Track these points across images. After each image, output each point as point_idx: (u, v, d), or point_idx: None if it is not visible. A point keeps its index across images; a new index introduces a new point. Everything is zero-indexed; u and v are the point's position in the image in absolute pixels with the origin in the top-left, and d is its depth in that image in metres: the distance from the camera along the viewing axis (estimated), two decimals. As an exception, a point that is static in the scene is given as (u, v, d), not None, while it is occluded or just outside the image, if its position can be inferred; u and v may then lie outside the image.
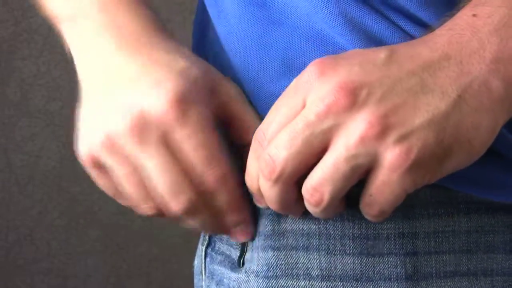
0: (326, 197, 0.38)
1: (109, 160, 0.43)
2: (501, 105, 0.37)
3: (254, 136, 0.40)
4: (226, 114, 0.44)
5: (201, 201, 0.43)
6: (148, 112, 0.41)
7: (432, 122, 0.36)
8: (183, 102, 0.41)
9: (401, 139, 0.36)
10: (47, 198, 1.52)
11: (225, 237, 0.49)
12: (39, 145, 1.51)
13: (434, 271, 0.44)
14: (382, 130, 0.36)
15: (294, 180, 0.39)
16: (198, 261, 0.53)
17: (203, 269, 0.51)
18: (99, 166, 0.44)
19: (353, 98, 0.36)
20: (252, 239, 0.46)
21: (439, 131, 0.36)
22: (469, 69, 0.37)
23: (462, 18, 0.39)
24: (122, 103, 0.42)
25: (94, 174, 0.45)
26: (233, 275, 0.47)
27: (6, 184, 1.50)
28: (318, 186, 0.38)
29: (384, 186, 0.37)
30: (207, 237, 0.51)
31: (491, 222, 0.45)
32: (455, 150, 0.37)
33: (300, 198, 0.40)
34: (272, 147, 0.38)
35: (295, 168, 0.38)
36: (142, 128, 0.41)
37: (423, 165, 0.36)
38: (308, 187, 0.38)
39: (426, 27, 0.41)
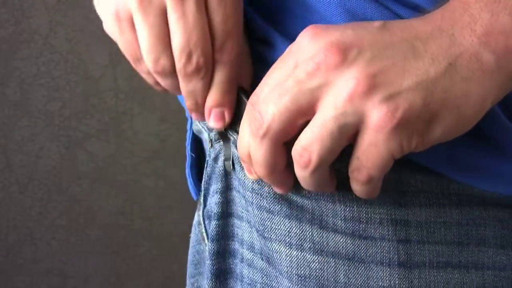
0: (315, 157, 0.38)
1: (141, 6, 0.42)
2: (491, 77, 0.37)
3: (248, 100, 0.40)
4: None
5: (208, 69, 0.43)
6: None
7: (420, 85, 0.36)
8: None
9: (388, 98, 0.36)
10: (47, 198, 1.52)
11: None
12: (39, 145, 1.51)
13: (427, 260, 0.44)
14: (370, 88, 0.36)
15: (281, 139, 0.39)
16: (197, 231, 0.53)
17: (205, 235, 0.51)
18: (125, 19, 0.44)
19: (343, 56, 0.37)
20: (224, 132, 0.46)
21: (427, 95, 0.36)
22: (460, 41, 0.37)
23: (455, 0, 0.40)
24: None
25: (116, 29, 0.45)
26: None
27: (6, 184, 1.50)
28: (307, 145, 0.38)
29: (370, 147, 0.37)
30: (201, 200, 0.52)
31: (483, 216, 0.45)
32: (443, 115, 0.37)
33: (288, 166, 0.40)
34: (261, 104, 0.38)
35: (282, 125, 0.38)
36: None
37: (409, 126, 0.37)
38: (298, 147, 0.38)
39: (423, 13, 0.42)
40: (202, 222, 0.52)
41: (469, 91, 0.37)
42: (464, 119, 0.38)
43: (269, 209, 0.45)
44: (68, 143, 1.52)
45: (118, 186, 1.55)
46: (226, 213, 0.48)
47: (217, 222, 0.48)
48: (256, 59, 0.47)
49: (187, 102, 0.46)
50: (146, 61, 0.44)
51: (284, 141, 0.39)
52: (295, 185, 0.43)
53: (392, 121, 0.36)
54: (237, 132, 0.46)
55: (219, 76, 0.44)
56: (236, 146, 0.46)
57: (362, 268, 0.43)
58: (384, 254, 0.43)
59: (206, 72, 0.44)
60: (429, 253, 0.44)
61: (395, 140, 0.37)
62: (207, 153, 0.52)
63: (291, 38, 0.44)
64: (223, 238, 0.48)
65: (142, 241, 1.58)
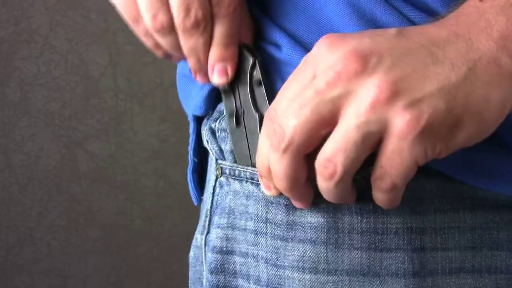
0: (340, 168, 0.37)
1: None
2: (510, 81, 0.37)
3: (266, 114, 0.40)
4: None
5: (207, 23, 0.43)
6: None
7: (442, 90, 0.36)
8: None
9: (411, 105, 0.36)
10: (47, 198, 1.52)
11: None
12: (39, 145, 1.51)
13: (440, 268, 0.44)
14: (392, 95, 0.36)
15: (303, 151, 0.38)
16: (196, 252, 0.53)
17: (203, 258, 0.51)
18: None
19: (363, 64, 0.36)
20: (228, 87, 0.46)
21: (450, 100, 0.36)
22: (477, 46, 0.37)
23: (469, 4, 0.39)
24: None
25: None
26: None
27: (6, 184, 1.50)
28: (331, 157, 0.37)
29: (394, 155, 0.36)
30: (206, 226, 0.51)
31: (496, 219, 0.45)
32: (466, 121, 0.37)
33: (308, 179, 0.40)
34: (282, 117, 0.38)
35: (304, 137, 0.37)
36: None
37: (434, 133, 0.36)
38: (321, 159, 0.38)
39: (435, 17, 0.42)
40: (203, 247, 0.51)
41: (489, 96, 0.37)
42: (485, 124, 0.37)
43: (283, 236, 0.45)
44: (68, 143, 1.52)
45: (118, 186, 1.55)
46: (226, 250, 0.48)
47: (216, 256, 0.48)
48: (264, 58, 0.46)
49: (190, 61, 0.46)
50: (145, 18, 0.44)
51: (306, 153, 0.38)
52: (314, 201, 0.43)
53: (417, 127, 0.36)
54: (238, 90, 0.46)
55: (219, 30, 0.44)
56: (250, 181, 0.46)
57: (377, 282, 0.43)
58: (399, 265, 0.43)
59: (205, 26, 0.43)
60: (442, 260, 0.44)
61: (419, 147, 0.36)
62: (213, 176, 0.51)
63: (299, 40, 0.43)
64: (223, 273, 0.48)
65: (142, 241, 1.58)
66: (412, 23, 0.42)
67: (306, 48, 0.44)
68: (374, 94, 0.36)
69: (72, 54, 1.49)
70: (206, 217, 0.51)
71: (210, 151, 0.52)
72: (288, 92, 0.39)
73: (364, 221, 0.43)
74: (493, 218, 0.45)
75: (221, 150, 0.50)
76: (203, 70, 0.46)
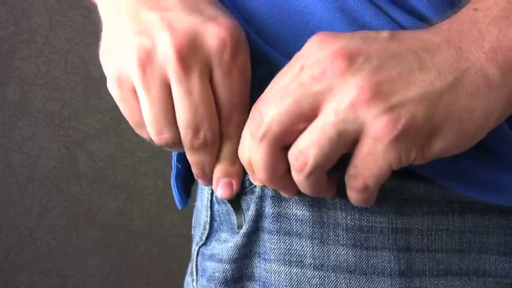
0: (311, 161, 0.37)
1: (143, 79, 0.41)
2: (496, 92, 0.37)
3: (253, 107, 0.39)
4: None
5: (215, 143, 0.43)
6: (197, 39, 0.41)
7: (424, 97, 0.36)
8: (236, 43, 0.41)
9: (390, 109, 0.36)
10: (47, 198, 1.52)
11: (224, 233, 0.49)
12: (39, 145, 1.51)
13: (427, 269, 0.44)
14: (372, 96, 0.35)
15: (280, 141, 0.38)
16: (190, 265, 0.53)
17: (194, 269, 0.51)
18: (127, 87, 0.43)
19: (349, 62, 0.36)
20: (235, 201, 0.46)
21: (430, 107, 0.36)
22: (467, 55, 0.37)
23: (463, 12, 0.39)
24: (168, 19, 0.41)
25: (118, 95, 0.44)
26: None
27: (6, 184, 1.50)
28: (304, 149, 0.37)
29: (369, 156, 0.36)
30: (204, 238, 0.51)
31: (486, 223, 0.45)
32: (445, 129, 0.36)
33: (289, 171, 0.40)
34: (262, 105, 0.38)
35: (281, 127, 0.37)
36: (190, 52, 0.41)
37: (410, 139, 0.36)
38: (294, 150, 0.38)
39: (427, 23, 0.42)
40: (194, 257, 0.51)
41: (473, 107, 0.36)
42: (466, 135, 0.37)
43: (269, 229, 0.45)
44: (68, 143, 1.52)
45: (118, 186, 1.55)
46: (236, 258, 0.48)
47: (228, 266, 0.47)
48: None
49: (194, 170, 0.45)
50: (150, 133, 0.43)
51: (283, 145, 0.38)
52: (299, 193, 0.43)
53: (393, 131, 0.35)
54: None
55: (227, 148, 0.44)
56: (254, 205, 0.46)
57: (364, 280, 0.43)
58: (385, 264, 0.43)
59: (213, 145, 0.43)
60: (429, 261, 0.44)
61: (393, 151, 0.36)
62: (205, 188, 0.51)
63: (289, 55, 0.44)
64: (231, 282, 0.48)
65: (142, 241, 1.58)
66: (402, 27, 0.42)
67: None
68: (354, 94, 0.36)
69: (72, 54, 1.49)
70: (204, 229, 0.51)
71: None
72: (275, 85, 0.39)
73: (349, 217, 0.43)
74: (482, 222, 0.45)
75: None
76: (207, 179, 0.46)
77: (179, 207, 0.55)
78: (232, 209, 0.48)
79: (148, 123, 0.43)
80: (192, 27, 0.41)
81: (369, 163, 0.37)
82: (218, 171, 0.45)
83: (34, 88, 1.49)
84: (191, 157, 0.44)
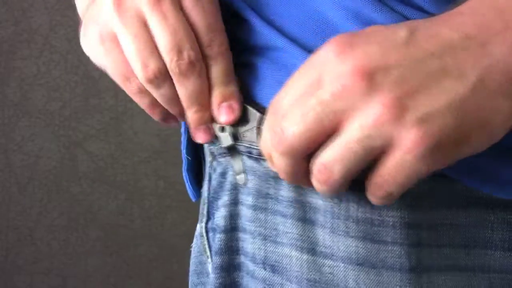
0: (335, 176, 0.37)
1: (121, 19, 0.43)
2: None
3: (270, 105, 0.40)
4: None
5: (201, 63, 0.44)
6: None
7: (451, 106, 0.35)
8: None
9: (420, 122, 0.35)
10: (47, 198, 1.52)
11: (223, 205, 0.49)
12: (39, 145, 1.51)
13: (435, 264, 0.43)
14: (397, 112, 0.35)
15: (301, 155, 0.38)
16: (199, 242, 0.53)
17: (207, 246, 0.51)
18: (108, 38, 0.44)
19: (369, 81, 0.35)
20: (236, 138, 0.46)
21: (458, 115, 0.35)
22: (490, 51, 0.36)
23: (484, 1, 0.38)
24: None
25: (102, 51, 0.45)
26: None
27: (6, 184, 1.50)
28: (328, 164, 0.37)
29: (398, 168, 0.36)
30: (205, 212, 0.51)
31: (490, 219, 0.45)
32: (474, 135, 0.36)
33: (309, 171, 0.40)
34: (283, 120, 0.38)
35: (303, 144, 0.37)
36: None
37: (440, 150, 0.36)
38: (318, 164, 0.38)
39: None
40: (204, 235, 0.51)
41: (498, 106, 0.36)
42: (493, 134, 0.36)
43: (283, 213, 0.45)
44: (68, 143, 1.52)
45: (118, 186, 1.55)
46: (231, 227, 0.48)
47: (221, 236, 0.48)
48: (259, 63, 0.46)
49: (190, 113, 0.45)
50: (136, 70, 0.44)
51: (304, 156, 0.39)
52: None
53: (424, 145, 0.35)
54: (247, 141, 0.46)
55: (216, 70, 0.44)
56: (248, 156, 0.46)
57: (373, 273, 0.43)
58: (396, 259, 0.43)
59: (200, 66, 0.43)
60: (438, 257, 0.44)
61: (424, 163, 0.36)
62: (207, 164, 0.52)
63: (295, 39, 0.43)
64: (228, 252, 0.48)
65: (142, 241, 1.58)
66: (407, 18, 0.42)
67: (304, 48, 0.44)
68: (378, 111, 0.35)
69: (72, 54, 1.49)
70: (204, 204, 0.51)
71: (205, 146, 0.52)
72: (292, 90, 0.38)
73: (361, 210, 0.43)
74: (487, 217, 0.45)
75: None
76: (205, 120, 0.46)
77: (193, 200, 0.56)
78: (231, 160, 0.48)
79: (133, 60, 0.43)
80: None
81: (397, 173, 0.36)
82: (216, 96, 0.45)
83: (34, 88, 1.49)
84: (183, 89, 0.44)
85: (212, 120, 0.46)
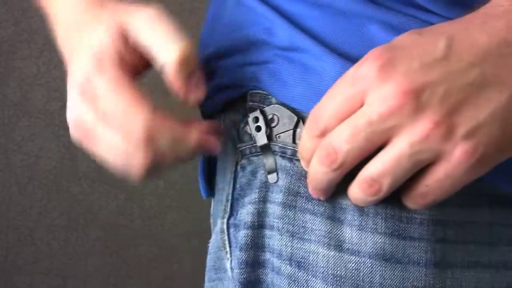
0: (384, 188, 0.39)
1: (85, 107, 0.46)
2: None
3: (310, 114, 0.41)
4: (140, 47, 0.45)
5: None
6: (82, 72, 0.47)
7: (494, 116, 0.37)
8: (99, 62, 0.45)
9: (468, 135, 0.37)
10: (47, 198, 1.52)
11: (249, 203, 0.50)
12: (39, 145, 1.51)
13: (459, 260, 0.44)
14: (448, 128, 0.37)
15: (346, 171, 0.40)
16: (218, 238, 0.53)
17: (227, 242, 0.52)
18: (83, 129, 0.47)
19: (417, 100, 0.37)
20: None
21: (501, 124, 0.37)
22: None
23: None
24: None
25: (84, 145, 0.48)
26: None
27: (6, 184, 1.50)
28: (378, 177, 0.39)
29: (446, 179, 0.38)
30: (228, 209, 0.52)
31: None
32: None
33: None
34: (334, 138, 0.39)
35: (355, 160, 0.39)
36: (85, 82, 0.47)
37: (487, 159, 0.37)
38: (367, 177, 0.39)
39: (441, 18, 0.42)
40: (225, 231, 0.52)
41: None
42: None
43: (313, 211, 0.46)
44: (68, 143, 1.52)
45: (118, 186, 1.55)
46: (258, 224, 0.48)
47: (247, 232, 0.48)
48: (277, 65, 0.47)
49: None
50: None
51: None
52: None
53: (474, 157, 0.37)
54: (281, 142, 0.48)
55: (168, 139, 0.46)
56: (280, 155, 0.47)
57: (399, 269, 0.44)
58: (421, 254, 0.44)
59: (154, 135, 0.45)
60: (462, 253, 0.44)
61: (472, 172, 0.37)
62: (230, 163, 0.52)
63: (322, 41, 0.44)
64: (253, 248, 0.48)
65: (142, 241, 1.58)
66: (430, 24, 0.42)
67: (333, 50, 0.45)
68: (428, 128, 0.37)
69: (72, 54, 1.49)
70: (227, 201, 0.52)
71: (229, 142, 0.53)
72: (334, 104, 0.40)
73: (389, 207, 0.44)
74: (510, 215, 0.45)
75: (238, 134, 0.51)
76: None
77: (205, 197, 0.59)
78: (262, 159, 0.49)
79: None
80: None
81: (446, 184, 0.38)
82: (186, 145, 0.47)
83: (34, 88, 1.49)
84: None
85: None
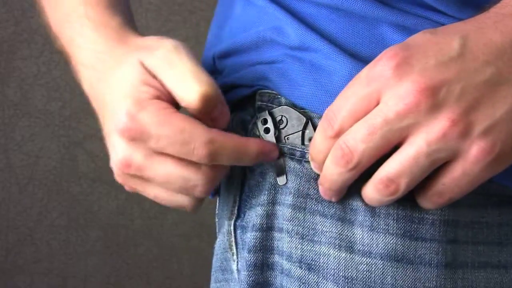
0: (402, 188, 0.39)
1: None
2: None
3: (324, 115, 0.41)
4: (164, 87, 0.44)
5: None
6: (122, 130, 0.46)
7: (510, 113, 0.37)
8: (138, 99, 0.44)
9: (486, 133, 0.37)
10: (47, 198, 1.52)
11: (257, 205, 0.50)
12: (39, 145, 1.51)
13: (469, 261, 0.44)
14: (463, 126, 0.37)
15: (363, 170, 0.40)
16: (225, 239, 0.53)
17: (233, 243, 0.51)
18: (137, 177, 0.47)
19: (434, 98, 0.37)
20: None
21: None
22: None
23: None
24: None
25: (131, 187, 0.50)
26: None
27: (6, 184, 1.50)
28: (395, 177, 0.39)
29: (464, 177, 0.38)
30: (235, 211, 0.52)
31: None
32: None
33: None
34: (349, 138, 0.39)
35: (371, 159, 0.39)
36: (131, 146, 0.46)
37: (503, 156, 0.37)
38: (384, 177, 0.39)
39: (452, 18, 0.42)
40: (232, 232, 0.52)
41: None
42: None
43: (323, 212, 0.45)
44: (68, 143, 1.52)
45: (118, 186, 1.54)
46: (266, 226, 0.48)
47: (255, 234, 0.48)
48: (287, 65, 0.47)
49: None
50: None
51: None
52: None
53: (491, 155, 0.37)
54: (290, 144, 0.47)
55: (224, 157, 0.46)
56: (289, 157, 0.47)
57: (410, 269, 0.44)
58: (433, 255, 0.44)
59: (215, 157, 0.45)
60: (472, 253, 0.45)
61: (489, 170, 0.37)
62: (236, 167, 0.52)
63: (334, 41, 0.44)
64: (261, 250, 0.48)
65: (142, 241, 1.58)
66: (441, 24, 0.42)
67: (344, 50, 0.44)
68: (445, 126, 0.37)
69: (72, 54, 1.49)
70: (234, 202, 0.52)
71: None
72: (349, 103, 0.39)
73: (401, 208, 0.44)
74: None
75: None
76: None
77: (211, 197, 0.58)
78: (272, 165, 0.49)
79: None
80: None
81: (463, 183, 0.38)
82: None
83: (34, 88, 1.49)
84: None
85: None
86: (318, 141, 0.42)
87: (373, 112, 0.38)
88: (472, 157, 0.37)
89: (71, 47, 0.52)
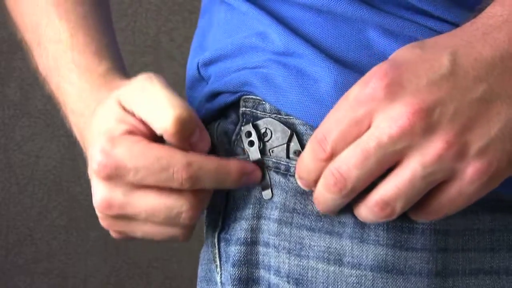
0: (398, 210, 0.38)
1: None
2: None
3: (313, 136, 0.40)
4: (142, 121, 0.44)
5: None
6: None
7: (505, 129, 0.36)
8: (111, 137, 0.43)
9: (481, 152, 0.36)
10: (47, 198, 1.52)
11: (242, 219, 0.49)
12: (39, 145, 1.51)
13: (460, 268, 0.44)
14: (460, 147, 0.36)
15: (355, 195, 0.39)
16: (209, 250, 0.52)
17: (217, 256, 0.51)
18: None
19: (427, 120, 0.36)
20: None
21: (511, 138, 0.37)
22: None
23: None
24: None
25: (115, 227, 0.48)
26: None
27: (6, 184, 1.50)
28: (391, 200, 0.38)
29: (460, 196, 0.38)
30: (219, 223, 0.51)
31: None
32: None
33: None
34: (342, 164, 0.38)
35: (364, 185, 0.39)
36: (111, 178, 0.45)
37: (499, 173, 0.37)
38: (379, 200, 0.39)
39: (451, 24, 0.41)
40: (216, 244, 0.51)
41: None
42: None
43: (310, 226, 0.45)
44: (68, 143, 1.52)
45: (118, 186, 1.55)
46: (251, 241, 0.47)
47: (239, 248, 0.48)
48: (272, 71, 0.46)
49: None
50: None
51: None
52: None
53: (487, 174, 0.36)
54: (275, 157, 0.47)
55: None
56: (274, 170, 0.46)
57: (401, 280, 0.43)
58: (423, 264, 0.43)
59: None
60: (463, 261, 0.44)
61: (485, 188, 0.37)
62: None
63: (318, 46, 0.43)
64: (246, 264, 0.48)
65: (142, 241, 1.57)
66: (438, 32, 0.42)
67: (330, 56, 0.44)
68: (441, 148, 0.36)
69: (72, 54, 1.49)
70: (219, 214, 0.51)
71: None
72: (339, 125, 0.39)
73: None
74: (511, 220, 0.45)
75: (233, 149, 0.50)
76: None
77: None
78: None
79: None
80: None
81: (459, 201, 0.38)
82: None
83: (34, 88, 1.49)
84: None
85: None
86: (307, 161, 0.41)
87: (366, 135, 0.37)
88: (468, 178, 0.37)
89: (60, 94, 0.53)
